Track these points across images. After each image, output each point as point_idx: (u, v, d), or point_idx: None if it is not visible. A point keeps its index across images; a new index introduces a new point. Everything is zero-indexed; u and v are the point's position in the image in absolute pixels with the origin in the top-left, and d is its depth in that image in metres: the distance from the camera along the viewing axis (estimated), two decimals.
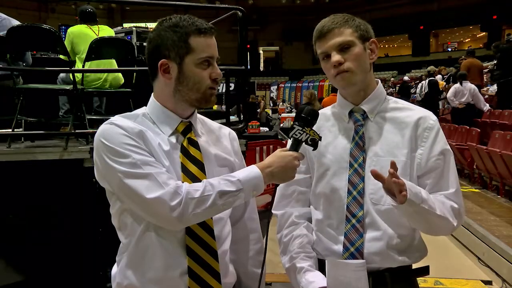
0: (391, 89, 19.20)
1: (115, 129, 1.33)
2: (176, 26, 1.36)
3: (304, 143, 1.38)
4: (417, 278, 1.54)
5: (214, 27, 1.40)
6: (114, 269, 1.45)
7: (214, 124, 1.59)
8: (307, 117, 1.39)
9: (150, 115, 1.42)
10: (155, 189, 1.24)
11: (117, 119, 1.38)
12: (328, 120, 1.58)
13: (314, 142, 1.38)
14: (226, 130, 1.59)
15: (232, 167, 1.49)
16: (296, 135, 1.37)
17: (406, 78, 18.49)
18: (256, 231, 1.61)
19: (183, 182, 1.31)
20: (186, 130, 1.42)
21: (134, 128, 1.34)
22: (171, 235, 1.34)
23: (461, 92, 9.01)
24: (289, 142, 1.43)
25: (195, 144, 1.42)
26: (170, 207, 1.24)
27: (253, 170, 1.33)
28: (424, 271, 1.54)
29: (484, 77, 11.04)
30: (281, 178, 1.37)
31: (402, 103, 1.57)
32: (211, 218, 1.39)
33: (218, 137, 1.53)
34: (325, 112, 1.62)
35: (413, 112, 1.51)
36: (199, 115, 1.54)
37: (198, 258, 1.36)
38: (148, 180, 1.25)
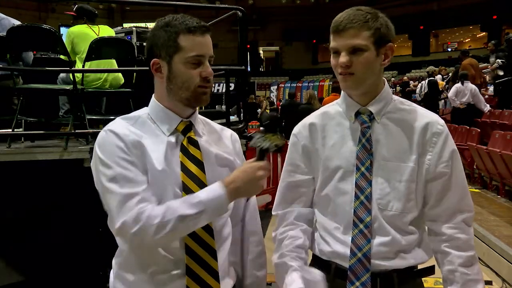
0: (392, 89, 19.18)
1: (109, 138, 1.34)
2: (167, 25, 1.37)
3: (268, 150, 1.34)
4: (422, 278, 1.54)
5: (207, 26, 1.39)
6: (111, 274, 1.46)
7: (216, 126, 1.58)
8: (269, 123, 1.35)
9: (151, 115, 1.43)
10: (121, 215, 1.27)
11: (115, 125, 1.39)
12: (333, 119, 1.55)
13: (278, 148, 1.35)
14: (228, 131, 1.59)
15: (233, 167, 1.48)
16: (258, 144, 1.33)
17: (408, 79, 18.54)
18: (257, 234, 1.60)
19: (183, 183, 1.34)
20: (186, 130, 1.42)
21: (130, 135, 1.35)
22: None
23: (462, 92, 8.99)
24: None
25: (195, 144, 1.42)
26: (132, 234, 1.26)
27: (217, 190, 1.31)
28: (430, 271, 1.54)
29: (487, 77, 11.02)
30: (247, 192, 1.35)
31: (408, 104, 1.53)
32: None
33: (219, 138, 1.53)
34: (328, 110, 1.58)
35: (420, 116, 1.49)
36: (201, 116, 1.53)
37: (197, 257, 1.36)
38: (118, 202, 1.27)
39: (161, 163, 1.35)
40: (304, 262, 1.51)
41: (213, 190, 1.32)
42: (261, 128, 1.44)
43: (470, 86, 8.99)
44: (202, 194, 1.31)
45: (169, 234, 1.27)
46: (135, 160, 1.32)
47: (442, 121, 1.50)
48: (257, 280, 1.55)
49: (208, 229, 1.38)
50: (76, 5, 4.60)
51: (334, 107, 1.58)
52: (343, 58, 1.41)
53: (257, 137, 1.33)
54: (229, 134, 1.58)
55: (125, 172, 1.30)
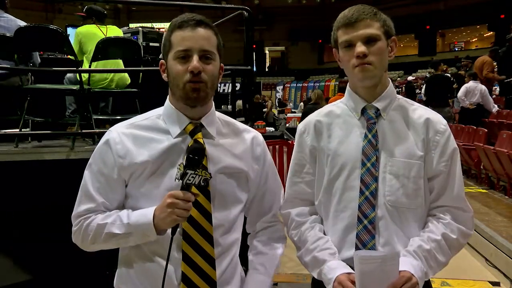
0: (397, 89, 19.19)
1: (102, 149, 1.41)
2: (169, 25, 1.39)
3: (199, 185, 1.29)
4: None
5: (200, 20, 1.37)
6: (116, 279, 1.48)
7: (240, 127, 1.54)
8: (194, 157, 1.28)
9: (163, 115, 1.44)
10: (73, 223, 1.45)
11: (116, 133, 1.41)
12: (338, 117, 1.56)
13: (207, 182, 1.32)
14: (250, 134, 1.54)
15: (245, 178, 1.47)
16: (190, 180, 1.26)
17: (410, 78, 18.46)
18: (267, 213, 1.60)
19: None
20: (195, 131, 1.40)
21: (125, 145, 1.38)
22: (167, 241, 1.32)
23: (472, 92, 8.90)
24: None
25: None
26: (75, 241, 1.45)
27: (146, 215, 1.32)
28: None
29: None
30: (160, 219, 1.30)
31: (411, 103, 1.56)
32: (211, 224, 1.37)
33: (238, 142, 1.49)
34: (333, 109, 1.59)
35: (424, 115, 1.51)
36: (224, 116, 1.52)
37: (194, 265, 1.35)
38: (75, 209, 1.44)
39: (157, 166, 1.37)
40: (334, 251, 1.49)
41: (145, 215, 1.33)
42: (187, 158, 1.37)
43: (480, 86, 8.91)
44: (133, 217, 1.34)
45: (102, 245, 1.40)
46: (112, 176, 1.38)
47: (444, 121, 1.53)
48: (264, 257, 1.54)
49: (207, 236, 1.37)
50: (86, 6, 4.62)
51: (339, 105, 1.59)
52: (360, 48, 1.42)
53: (190, 173, 1.26)
54: (250, 137, 1.52)
55: (90, 189, 1.40)
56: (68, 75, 4.29)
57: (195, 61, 1.32)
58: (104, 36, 4.16)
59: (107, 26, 4.47)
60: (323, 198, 1.55)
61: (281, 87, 28.88)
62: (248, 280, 1.48)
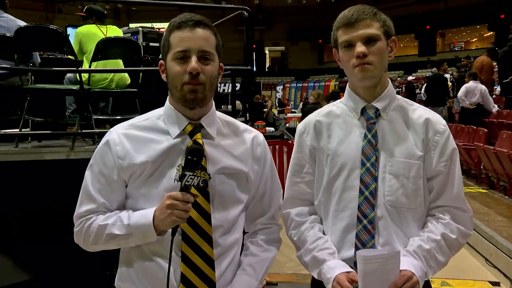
0: (397, 89, 19.21)
1: (103, 150, 1.41)
2: (168, 25, 1.38)
3: (198, 186, 1.29)
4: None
5: (199, 20, 1.36)
6: (117, 278, 1.48)
7: (241, 127, 1.54)
8: (192, 158, 1.27)
9: (163, 116, 1.44)
10: (75, 223, 1.45)
11: (116, 134, 1.41)
12: (338, 117, 1.56)
13: (206, 183, 1.33)
14: (251, 134, 1.53)
15: (245, 177, 1.47)
16: (189, 181, 1.26)
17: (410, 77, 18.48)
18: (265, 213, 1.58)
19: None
20: (194, 132, 1.40)
21: (125, 146, 1.38)
22: (167, 241, 1.32)
23: (472, 92, 8.89)
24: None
25: None
26: (77, 241, 1.45)
27: (146, 216, 1.32)
28: None
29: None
30: (159, 221, 1.30)
31: (411, 103, 1.57)
32: (210, 225, 1.37)
33: (238, 142, 1.48)
34: (333, 109, 1.60)
35: (424, 115, 1.52)
36: (224, 116, 1.51)
37: (193, 265, 1.35)
38: (77, 210, 1.44)
39: (156, 167, 1.37)
40: (333, 251, 1.48)
41: (145, 216, 1.33)
42: (185, 159, 1.35)
43: (480, 86, 8.91)
44: (133, 218, 1.34)
45: (102, 246, 1.40)
46: (112, 177, 1.39)
47: (444, 121, 1.54)
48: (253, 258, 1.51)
49: (206, 237, 1.37)
50: (86, 6, 4.63)
51: (339, 105, 1.60)
52: (360, 48, 1.42)
53: (188, 175, 1.25)
54: (251, 137, 1.52)
55: (91, 190, 1.40)
56: (68, 75, 4.29)
57: (193, 62, 1.32)
58: (104, 36, 4.16)
59: (107, 26, 4.47)
60: (322, 198, 1.55)
61: (281, 87, 28.89)
62: (234, 280, 1.45)
